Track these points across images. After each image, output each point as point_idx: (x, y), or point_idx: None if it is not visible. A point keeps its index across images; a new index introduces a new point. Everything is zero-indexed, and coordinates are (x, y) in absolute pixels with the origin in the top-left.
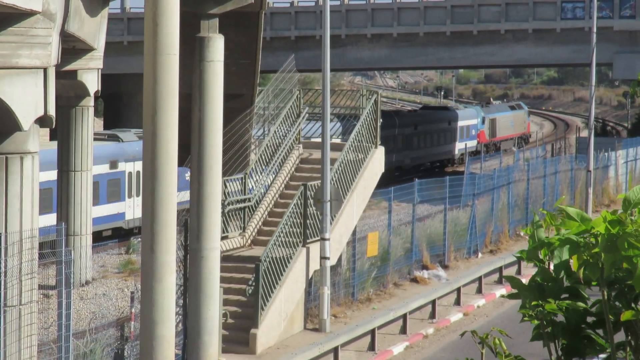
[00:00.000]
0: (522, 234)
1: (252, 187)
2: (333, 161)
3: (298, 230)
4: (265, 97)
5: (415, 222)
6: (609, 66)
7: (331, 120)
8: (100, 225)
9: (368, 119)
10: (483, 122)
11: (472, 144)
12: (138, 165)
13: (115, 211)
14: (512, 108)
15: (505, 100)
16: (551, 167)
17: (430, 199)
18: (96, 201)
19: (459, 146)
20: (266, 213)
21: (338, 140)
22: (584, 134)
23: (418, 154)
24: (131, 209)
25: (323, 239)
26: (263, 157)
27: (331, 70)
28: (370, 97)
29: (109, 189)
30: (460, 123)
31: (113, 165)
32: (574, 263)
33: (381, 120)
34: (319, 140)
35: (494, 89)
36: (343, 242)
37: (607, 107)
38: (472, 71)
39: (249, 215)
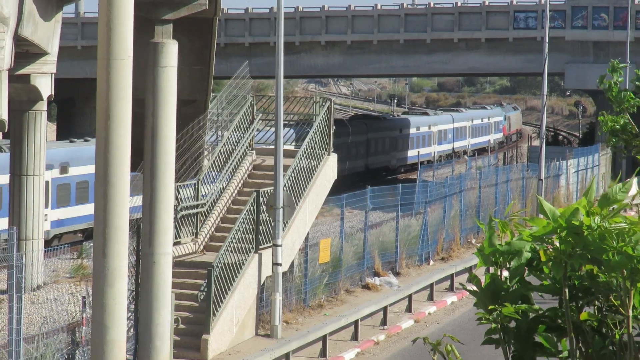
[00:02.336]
0: (473, 241)
1: (205, 193)
2: (286, 168)
3: (250, 237)
4: (219, 103)
5: (368, 229)
6: (561, 76)
7: (284, 127)
8: None
9: (321, 126)
10: (505, 118)
11: (499, 136)
12: None
13: None
14: (514, 109)
15: (460, 108)
16: (503, 176)
17: (383, 207)
18: None
19: (492, 137)
20: (219, 219)
21: (291, 147)
22: (536, 143)
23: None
24: None
25: (275, 245)
26: (216, 163)
27: (285, 77)
28: (323, 104)
29: None
30: (493, 119)
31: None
32: (542, 256)
33: (334, 127)
34: (272, 146)
35: (447, 97)
36: (295, 249)
37: (559, 116)
38: (425, 79)
39: (202, 221)
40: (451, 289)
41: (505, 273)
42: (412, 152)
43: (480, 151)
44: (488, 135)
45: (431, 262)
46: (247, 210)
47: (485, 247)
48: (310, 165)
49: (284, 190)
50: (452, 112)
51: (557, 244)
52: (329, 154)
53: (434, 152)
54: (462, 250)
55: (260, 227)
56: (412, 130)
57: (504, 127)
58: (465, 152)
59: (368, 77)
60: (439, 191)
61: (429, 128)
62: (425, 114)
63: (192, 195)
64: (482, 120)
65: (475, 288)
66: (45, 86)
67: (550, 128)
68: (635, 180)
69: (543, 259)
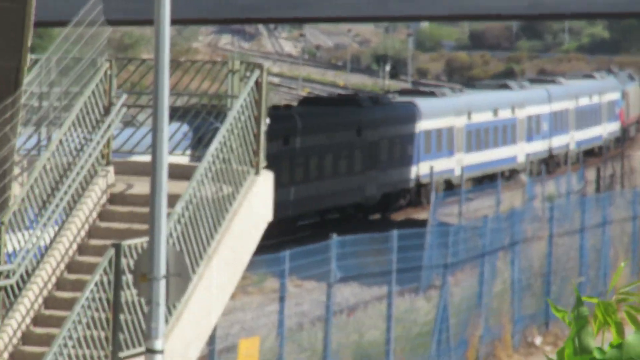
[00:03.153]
0: (537, 341)
1: (14, 249)
2: (174, 199)
3: (102, 335)
4: (45, 73)
5: (332, 319)
6: None
7: (172, 121)
8: None
9: (243, 119)
10: (622, 96)
11: (614, 127)
12: None
13: None
14: (631, 78)
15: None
16: (596, 213)
17: (362, 275)
18: None
19: (607, 128)
20: (40, 301)
21: (185, 159)
22: None
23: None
24: None
25: (151, 352)
26: (36, 190)
27: (174, 22)
28: (247, 75)
29: None
30: (605, 97)
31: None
32: None
33: (268, 120)
34: (147, 159)
35: (487, 61)
36: (190, 358)
37: None
38: (446, 26)
39: (7, 306)
40: None
41: None
42: (483, 155)
43: (584, 155)
44: (599, 125)
45: None
46: (96, 284)
47: (568, 353)
48: (221, 194)
49: (168, 243)
50: (547, 84)
51: None
52: (257, 172)
53: (523, 155)
54: (516, 358)
55: (122, 317)
56: (486, 117)
57: (620, 111)
58: (567, 157)
59: (335, 23)
60: (470, 244)
61: (513, 112)
62: (505, 86)
63: None
64: (590, 100)
65: None
66: None
67: None
68: None
69: None
